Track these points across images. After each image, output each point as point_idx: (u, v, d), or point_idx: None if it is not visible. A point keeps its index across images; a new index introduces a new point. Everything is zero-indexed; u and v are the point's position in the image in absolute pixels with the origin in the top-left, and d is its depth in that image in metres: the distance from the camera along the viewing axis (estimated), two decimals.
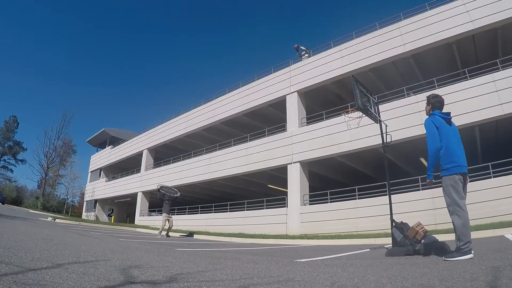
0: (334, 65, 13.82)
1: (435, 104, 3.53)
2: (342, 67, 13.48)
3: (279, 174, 15.73)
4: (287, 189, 13.98)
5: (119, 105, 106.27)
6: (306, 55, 15.89)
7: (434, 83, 11.27)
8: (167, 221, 11.40)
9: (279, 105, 15.88)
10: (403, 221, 4.34)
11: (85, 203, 33.70)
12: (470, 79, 10.40)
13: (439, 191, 8.81)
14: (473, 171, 9.10)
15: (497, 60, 10.41)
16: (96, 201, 30.65)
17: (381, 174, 13.98)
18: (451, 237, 3.92)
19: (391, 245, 4.41)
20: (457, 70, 12.51)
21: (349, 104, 11.81)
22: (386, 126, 5.46)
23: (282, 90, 15.54)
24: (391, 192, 5.46)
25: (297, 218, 12.84)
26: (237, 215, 15.71)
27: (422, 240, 3.84)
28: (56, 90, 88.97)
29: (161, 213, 12.24)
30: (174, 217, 13.44)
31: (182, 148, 23.13)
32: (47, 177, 45.59)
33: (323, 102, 15.89)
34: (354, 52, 13.31)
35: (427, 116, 3.56)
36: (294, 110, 14.83)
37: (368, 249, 5.72)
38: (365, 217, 10.72)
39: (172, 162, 21.57)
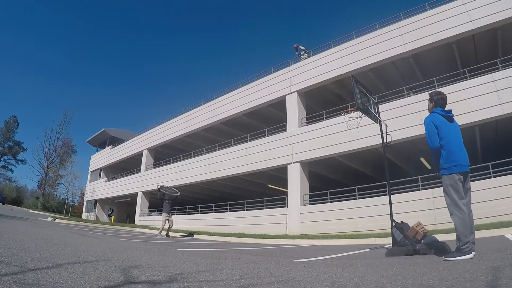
0: (334, 65, 13.82)
1: (438, 101, 3.48)
2: (342, 67, 13.48)
3: (279, 174, 15.73)
4: (287, 189, 13.98)
5: (119, 105, 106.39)
6: (306, 55, 15.89)
7: (434, 83, 11.27)
8: (167, 221, 11.41)
9: (279, 105, 15.88)
10: (403, 221, 4.34)
11: (85, 203, 33.70)
12: (470, 79, 10.40)
13: (439, 191, 8.83)
14: (473, 171, 9.07)
15: (497, 60, 10.41)
16: (96, 201, 30.65)
17: (381, 174, 13.98)
18: (451, 237, 3.92)
19: (391, 245, 4.41)
20: (457, 70, 12.51)
21: (349, 104, 11.81)
22: (386, 126, 5.46)
23: (282, 90, 15.54)
24: (391, 192, 5.46)
25: (297, 218, 12.84)
26: (237, 215, 15.71)
27: (422, 240, 3.84)
28: (56, 90, 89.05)
29: (161, 213, 12.24)
30: (174, 217, 13.45)
31: (182, 148, 23.14)
32: (47, 177, 45.61)
33: (323, 102, 15.89)
34: (354, 52, 13.31)
35: (428, 114, 3.51)
36: (294, 110, 14.83)
37: (368, 249, 5.72)
38: (365, 217, 10.73)
39: (172, 162, 21.57)
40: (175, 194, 12.06)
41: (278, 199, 14.61)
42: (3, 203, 35.49)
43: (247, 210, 15.56)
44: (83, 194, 37.80)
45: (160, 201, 11.96)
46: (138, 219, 22.28)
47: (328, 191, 12.72)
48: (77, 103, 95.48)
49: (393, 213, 4.87)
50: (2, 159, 51.25)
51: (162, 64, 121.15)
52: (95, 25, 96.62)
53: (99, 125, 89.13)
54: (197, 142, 21.65)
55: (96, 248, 3.72)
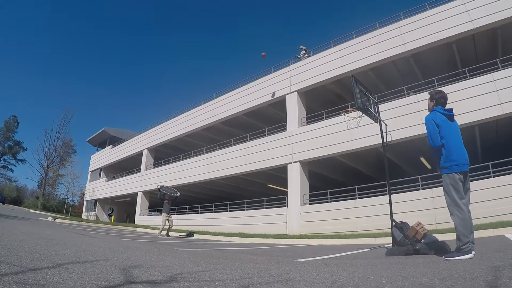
0: (334, 64, 13.82)
1: (439, 99, 3.47)
2: (342, 66, 13.48)
3: (279, 174, 15.73)
4: (287, 188, 13.98)
5: (119, 105, 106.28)
6: (306, 55, 15.88)
7: (434, 82, 11.27)
8: (167, 221, 11.41)
9: (279, 104, 15.87)
10: (403, 221, 4.34)
11: (85, 203, 33.70)
12: (470, 78, 10.40)
13: (439, 190, 8.83)
14: (473, 170, 9.09)
15: (497, 60, 10.41)
16: (96, 201, 30.65)
17: (381, 174, 13.98)
18: (451, 236, 3.93)
19: (391, 244, 4.41)
20: (457, 69, 12.51)
21: (349, 103, 11.82)
22: (386, 125, 5.45)
23: (282, 90, 15.54)
24: (391, 191, 5.46)
25: (297, 217, 12.84)
26: (237, 215, 15.71)
27: (422, 240, 3.84)
28: (56, 90, 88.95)
29: (161, 213, 12.25)
30: (174, 216, 13.45)
31: (182, 148, 23.14)
32: (47, 177, 45.60)
33: (323, 101, 15.89)
34: (354, 51, 13.30)
35: (429, 113, 3.49)
36: (294, 109, 14.83)
37: (368, 249, 5.72)
38: (365, 217, 10.73)
39: (172, 162, 21.57)
40: (175, 194, 12.07)
41: (278, 199, 14.61)
42: (3, 203, 35.49)
43: (247, 210, 15.57)
44: (83, 194, 37.79)
45: (160, 201, 11.97)
46: (138, 219, 22.28)
47: (328, 191, 12.72)
48: (77, 103, 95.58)
49: (393, 212, 4.86)
50: (2, 159, 51.27)
51: (162, 64, 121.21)
52: (95, 25, 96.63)
53: (99, 125, 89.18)
54: (197, 141, 21.65)
55: (96, 248, 3.72)
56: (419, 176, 10.36)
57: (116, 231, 11.33)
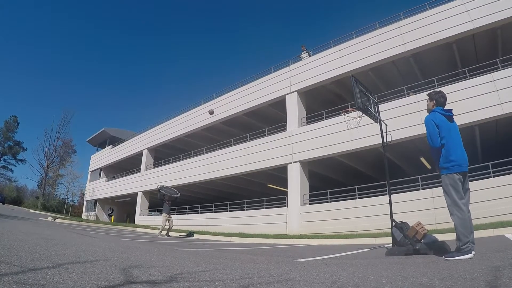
0: (334, 64, 13.82)
1: (439, 99, 3.47)
2: (342, 66, 13.48)
3: (279, 174, 15.73)
4: (287, 189, 13.98)
5: (119, 105, 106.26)
6: (306, 54, 15.89)
7: (434, 82, 11.27)
8: (167, 221, 11.41)
9: (279, 104, 15.87)
10: (403, 221, 4.34)
11: (85, 203, 33.70)
12: (470, 78, 10.39)
13: (439, 190, 8.82)
14: (473, 170, 9.10)
15: (497, 60, 10.41)
16: (96, 201, 30.65)
17: (381, 173, 13.98)
18: (451, 236, 3.93)
19: (391, 244, 4.41)
20: (457, 69, 12.51)
21: (349, 103, 11.81)
22: (386, 125, 5.46)
23: (282, 90, 15.54)
24: (391, 191, 5.46)
25: (297, 217, 12.84)
26: (237, 215, 15.72)
27: (422, 240, 3.84)
28: (56, 90, 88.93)
29: (161, 213, 12.25)
30: (174, 216, 13.45)
31: (182, 148, 23.14)
32: (47, 177, 45.62)
33: (323, 101, 15.89)
34: (354, 51, 13.30)
35: (428, 114, 3.50)
36: (294, 109, 14.83)
37: (368, 249, 5.72)
38: (365, 217, 10.73)
39: (172, 162, 21.57)
40: (175, 195, 12.05)
41: (278, 199, 14.61)
42: (3, 203, 35.49)
43: (247, 210, 15.56)
44: (83, 194, 37.80)
45: (160, 201, 11.97)
46: (138, 219, 22.28)
47: (328, 190, 12.72)
48: (77, 103, 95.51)
49: (393, 212, 4.87)
50: (2, 159, 51.25)
51: (162, 64, 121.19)
52: (96, 25, 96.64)
53: (99, 125, 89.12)
54: (197, 141, 21.64)
55: (96, 248, 3.72)
56: (419, 176, 10.36)
57: (116, 231, 11.33)
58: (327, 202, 12.44)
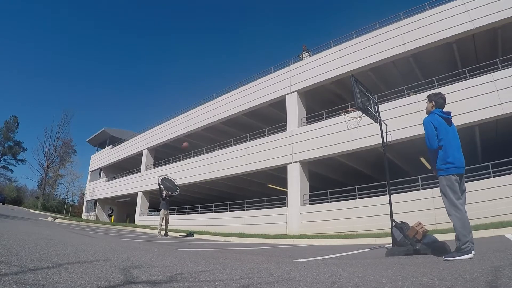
0: (334, 64, 13.82)
1: (438, 101, 3.49)
2: (342, 66, 13.48)
3: (279, 174, 15.73)
4: (287, 189, 13.98)
5: (119, 105, 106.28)
6: (307, 54, 15.90)
7: (434, 82, 11.27)
8: (163, 219, 11.33)
9: (279, 104, 15.88)
10: (403, 221, 4.34)
11: (85, 203, 33.71)
12: (470, 78, 10.40)
13: (439, 191, 8.82)
14: (473, 170, 9.10)
15: (497, 60, 10.42)
16: (96, 201, 30.66)
17: (381, 174, 13.99)
18: (451, 236, 3.92)
19: (391, 244, 4.41)
20: (457, 69, 12.51)
21: (349, 103, 11.82)
22: (386, 125, 5.46)
23: (282, 90, 15.55)
24: (391, 192, 5.46)
25: (297, 218, 12.84)
26: (237, 215, 15.72)
27: (422, 240, 3.84)
28: (56, 90, 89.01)
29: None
30: (174, 216, 13.47)
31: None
32: (47, 177, 45.63)
33: (323, 101, 15.89)
34: (354, 51, 13.31)
35: (427, 115, 3.52)
36: (294, 109, 14.83)
37: (368, 249, 5.72)
38: (365, 217, 10.73)
39: (172, 162, 21.58)
40: (173, 193, 11.92)
41: (278, 199, 14.62)
42: (3, 203, 35.50)
43: (247, 210, 15.56)
44: (83, 194, 37.81)
45: (159, 197, 11.92)
46: (138, 219, 22.28)
47: (328, 191, 12.72)
48: (77, 103, 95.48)
49: (393, 213, 4.87)
50: (2, 159, 51.28)
51: (162, 64, 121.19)
52: (96, 25, 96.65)
53: (99, 125, 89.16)
54: (197, 141, 21.64)
55: (96, 248, 3.72)
56: (419, 176, 10.37)
57: (116, 231, 11.33)
58: (327, 202, 12.44)
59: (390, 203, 5.10)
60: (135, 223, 21.91)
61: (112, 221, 27.90)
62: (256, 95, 16.67)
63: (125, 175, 26.74)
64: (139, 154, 25.15)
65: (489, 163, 9.22)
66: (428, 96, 3.62)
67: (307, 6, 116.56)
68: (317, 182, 16.42)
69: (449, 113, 3.41)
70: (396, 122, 10.35)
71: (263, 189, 20.08)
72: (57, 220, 15.22)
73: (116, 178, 28.65)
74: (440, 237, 4.26)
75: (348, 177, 16.66)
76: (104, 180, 30.32)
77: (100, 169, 32.23)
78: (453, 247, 3.16)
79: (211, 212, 17.77)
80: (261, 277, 2.24)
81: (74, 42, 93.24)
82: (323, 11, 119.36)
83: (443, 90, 10.32)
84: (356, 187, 11.73)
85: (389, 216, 4.75)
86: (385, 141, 5.33)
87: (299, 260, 3.73)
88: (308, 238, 9.90)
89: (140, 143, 25.33)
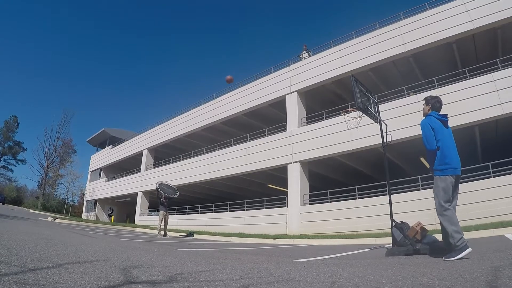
0: (334, 64, 13.82)
1: (435, 104, 3.57)
2: (342, 66, 13.48)
3: (279, 174, 15.72)
4: (287, 189, 13.98)
5: (119, 105, 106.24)
6: (306, 54, 15.89)
7: (434, 82, 11.27)
8: (163, 219, 11.36)
9: (279, 104, 15.88)
10: (403, 221, 4.34)
11: (85, 203, 33.71)
12: (470, 78, 10.40)
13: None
14: (473, 170, 9.10)
15: (497, 60, 10.41)
16: (96, 201, 30.65)
17: (381, 174, 13.98)
18: None
19: (391, 245, 4.41)
20: (457, 69, 12.51)
21: (349, 103, 11.81)
22: (386, 125, 5.46)
23: (282, 90, 15.54)
24: (391, 192, 5.46)
25: (297, 218, 12.84)
26: (237, 215, 15.72)
27: (422, 240, 3.84)
28: (56, 90, 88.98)
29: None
30: (174, 216, 13.47)
31: (182, 148, 23.13)
32: (47, 177, 45.66)
33: (323, 101, 15.89)
34: (354, 51, 13.31)
35: (423, 117, 3.61)
36: (294, 109, 14.83)
37: (368, 249, 5.72)
38: (365, 217, 10.73)
39: (172, 162, 21.57)
40: (171, 196, 11.92)
41: (278, 199, 14.61)
42: (3, 203, 35.50)
43: (247, 210, 15.56)
44: (83, 194, 37.81)
45: (158, 199, 11.95)
46: (138, 219, 22.28)
47: (328, 191, 12.72)
48: (77, 103, 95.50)
49: (393, 213, 4.86)
50: (2, 159, 51.28)
51: (162, 64, 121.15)
52: (96, 25, 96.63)
53: (99, 125, 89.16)
54: (197, 142, 21.65)
55: (96, 248, 3.72)
56: (419, 176, 10.36)
57: (116, 231, 11.33)
58: (327, 202, 12.44)
59: (390, 203, 5.10)
60: (135, 223, 21.91)
61: (112, 221, 27.89)
62: (256, 95, 16.67)
63: (125, 175, 26.74)
64: (139, 154, 25.15)
65: (489, 163, 9.21)
66: (426, 99, 3.71)
67: (307, 6, 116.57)
68: (317, 182, 16.42)
69: (445, 116, 3.49)
70: (396, 122, 10.35)
71: (263, 189, 20.07)
72: (57, 220, 15.22)
73: (116, 178, 28.65)
74: (440, 237, 4.26)
75: (348, 177, 16.66)
76: (104, 180, 30.32)
77: (100, 169, 32.23)
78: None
79: (211, 212, 17.77)
80: (261, 277, 2.24)
81: (74, 42, 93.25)
82: (323, 11, 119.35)
83: (443, 90, 10.33)
84: (356, 187, 11.73)
85: (389, 216, 4.75)
86: (385, 141, 5.33)
87: (299, 260, 3.73)
88: (308, 238, 9.90)
89: (140, 143, 25.33)
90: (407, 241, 3.93)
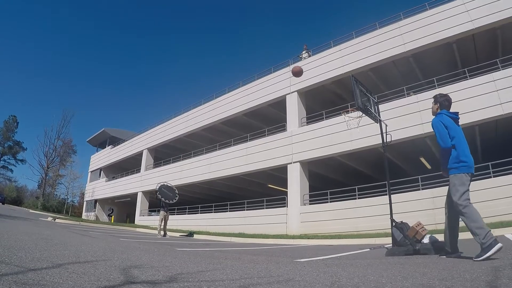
0: (334, 64, 13.82)
1: (443, 103, 3.48)
2: (342, 66, 13.48)
3: (279, 174, 15.72)
4: (287, 189, 13.98)
5: (119, 105, 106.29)
6: (306, 54, 15.89)
7: (434, 82, 11.27)
8: (162, 220, 11.36)
9: (279, 104, 15.88)
10: (403, 221, 4.34)
11: (85, 203, 33.71)
12: (470, 78, 10.40)
13: (439, 191, 8.83)
14: None
15: (497, 60, 10.41)
16: (96, 201, 30.65)
17: (381, 174, 13.98)
18: None
19: (391, 245, 4.41)
20: (457, 69, 12.51)
21: (349, 103, 11.81)
22: (386, 125, 5.46)
23: (282, 90, 15.55)
24: (391, 192, 5.46)
25: (297, 218, 12.84)
26: (237, 215, 15.72)
27: (422, 240, 3.84)
28: (56, 90, 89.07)
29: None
30: (174, 217, 13.47)
31: (182, 148, 23.14)
32: (47, 177, 45.68)
33: (323, 101, 15.89)
34: (354, 51, 13.31)
35: (434, 116, 3.50)
36: (294, 109, 14.83)
37: (368, 249, 5.72)
38: (365, 217, 10.73)
39: (172, 162, 21.57)
40: (170, 201, 11.86)
41: (278, 199, 14.61)
42: (3, 203, 35.50)
43: (247, 210, 15.56)
44: (83, 194, 37.82)
45: (158, 201, 11.95)
46: (138, 219, 22.28)
47: (328, 191, 12.72)
48: (77, 103, 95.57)
49: (393, 213, 4.87)
50: (2, 159, 51.30)
51: (162, 64, 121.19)
52: (96, 25, 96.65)
53: (99, 125, 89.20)
54: (197, 142, 21.65)
55: (96, 248, 3.72)
56: (419, 176, 10.36)
57: (116, 231, 11.33)
58: (327, 202, 12.44)
59: (390, 203, 5.10)
60: (135, 223, 21.92)
61: (112, 221, 27.89)
62: (256, 95, 16.67)
63: (125, 175, 26.74)
64: (139, 154, 25.15)
65: (489, 163, 9.22)
66: (434, 97, 3.59)
67: (307, 6, 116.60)
68: (317, 182, 16.42)
69: (456, 113, 3.39)
70: (396, 122, 10.35)
71: (263, 189, 20.07)
72: (57, 220, 15.22)
73: (116, 178, 28.65)
74: (440, 237, 4.26)
75: (348, 177, 16.65)
76: (104, 180, 30.32)
77: (100, 169, 32.23)
78: (462, 248, 3.09)
79: (211, 212, 17.77)
80: (261, 277, 2.24)
81: (74, 42, 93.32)
82: (323, 11, 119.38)
83: (443, 90, 10.31)
84: (356, 187, 11.73)
85: (389, 216, 4.75)
86: (385, 141, 5.33)
87: (299, 260, 3.73)
88: (308, 238, 9.90)
89: (140, 143, 25.33)
90: (407, 241, 3.93)
